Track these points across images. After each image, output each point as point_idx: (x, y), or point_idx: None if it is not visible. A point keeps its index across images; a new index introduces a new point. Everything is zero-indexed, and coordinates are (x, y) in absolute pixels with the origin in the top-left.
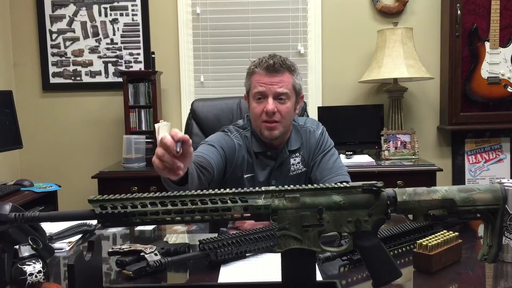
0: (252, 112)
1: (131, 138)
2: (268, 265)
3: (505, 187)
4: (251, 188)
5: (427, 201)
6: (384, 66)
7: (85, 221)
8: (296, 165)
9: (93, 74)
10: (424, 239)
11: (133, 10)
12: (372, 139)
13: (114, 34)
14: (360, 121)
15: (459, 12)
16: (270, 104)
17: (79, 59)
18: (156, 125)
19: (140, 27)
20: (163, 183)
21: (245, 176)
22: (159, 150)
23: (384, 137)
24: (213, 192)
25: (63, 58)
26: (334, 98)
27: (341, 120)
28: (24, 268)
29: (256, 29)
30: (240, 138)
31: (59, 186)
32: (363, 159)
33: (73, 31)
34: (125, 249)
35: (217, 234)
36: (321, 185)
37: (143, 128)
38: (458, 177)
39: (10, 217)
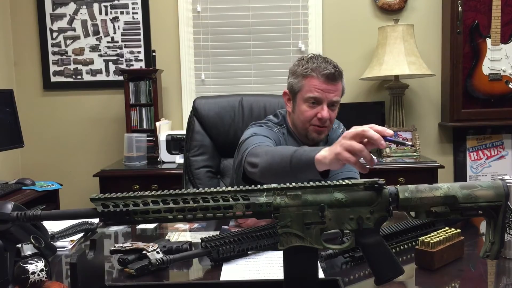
0: (302, 115)
1: (132, 137)
2: (270, 263)
3: (507, 184)
4: (252, 186)
5: (429, 198)
6: (385, 63)
7: (87, 220)
8: None
9: (93, 72)
10: (426, 236)
11: (133, 8)
12: None
13: (114, 33)
14: (361, 118)
15: (460, 8)
16: (325, 111)
17: (79, 57)
18: (157, 123)
19: (141, 25)
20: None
21: None
22: (357, 146)
23: None
24: (215, 190)
25: (64, 57)
26: None
27: (342, 117)
28: (27, 266)
29: (256, 26)
30: (279, 134)
31: (61, 185)
32: None
33: (74, 29)
34: (127, 247)
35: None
36: (322, 182)
37: (144, 127)
38: (459, 174)
39: (12, 216)
